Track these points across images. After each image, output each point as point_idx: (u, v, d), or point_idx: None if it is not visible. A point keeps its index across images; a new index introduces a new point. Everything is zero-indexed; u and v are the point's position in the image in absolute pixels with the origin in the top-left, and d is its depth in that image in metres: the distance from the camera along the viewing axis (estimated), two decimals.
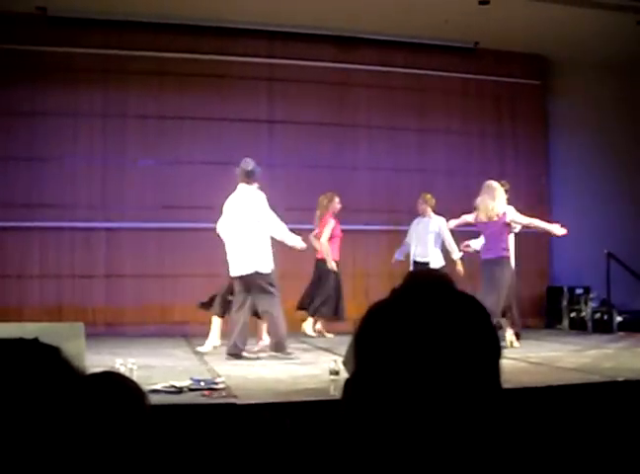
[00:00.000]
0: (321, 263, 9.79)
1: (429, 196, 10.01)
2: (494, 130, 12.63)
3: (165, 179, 10.96)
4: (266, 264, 7.49)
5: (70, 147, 10.70)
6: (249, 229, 7.53)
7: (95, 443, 1.18)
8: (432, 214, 9.91)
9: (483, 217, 8.32)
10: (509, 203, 8.59)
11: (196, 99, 11.16)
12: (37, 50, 10.51)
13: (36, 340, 1.12)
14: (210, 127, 11.19)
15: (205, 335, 8.20)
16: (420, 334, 1.08)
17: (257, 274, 7.43)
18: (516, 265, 8.70)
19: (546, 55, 12.66)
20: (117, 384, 1.62)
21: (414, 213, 10.18)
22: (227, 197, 7.74)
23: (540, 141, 12.88)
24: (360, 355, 1.13)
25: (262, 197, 7.62)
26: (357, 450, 1.09)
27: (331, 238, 9.80)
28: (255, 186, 7.70)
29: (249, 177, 7.70)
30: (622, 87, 12.41)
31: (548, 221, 8.95)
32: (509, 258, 8.42)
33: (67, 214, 10.53)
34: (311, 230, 9.78)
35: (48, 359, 1.09)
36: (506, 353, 7.25)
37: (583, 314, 11.12)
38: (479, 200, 8.40)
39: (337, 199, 9.94)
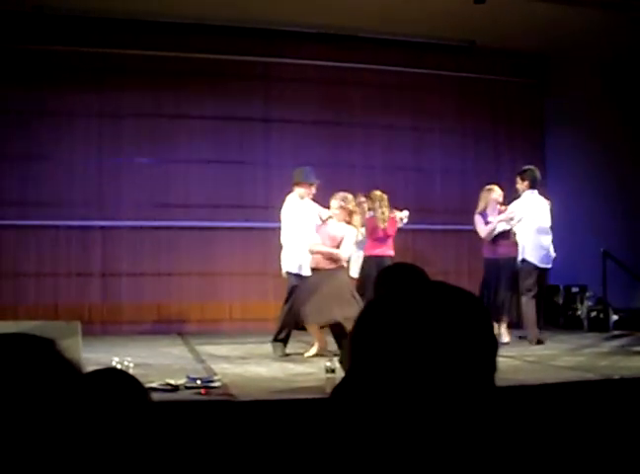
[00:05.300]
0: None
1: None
2: (490, 129, 12.63)
3: (161, 177, 10.95)
4: None
5: (66, 145, 10.67)
6: None
7: (97, 437, 1.19)
8: None
9: None
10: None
11: (191, 97, 11.15)
12: (32, 49, 10.48)
13: (32, 334, 1.12)
14: (206, 126, 11.18)
15: (200, 332, 8.15)
16: (415, 331, 1.08)
17: None
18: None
19: (542, 54, 12.64)
20: (120, 381, 1.63)
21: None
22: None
23: (536, 140, 12.88)
24: (356, 352, 1.13)
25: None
26: (350, 448, 1.09)
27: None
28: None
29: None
30: (619, 85, 12.40)
31: None
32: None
33: (63, 213, 10.51)
34: None
35: (45, 352, 1.09)
36: (501, 350, 7.25)
37: (579, 313, 11.09)
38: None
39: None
